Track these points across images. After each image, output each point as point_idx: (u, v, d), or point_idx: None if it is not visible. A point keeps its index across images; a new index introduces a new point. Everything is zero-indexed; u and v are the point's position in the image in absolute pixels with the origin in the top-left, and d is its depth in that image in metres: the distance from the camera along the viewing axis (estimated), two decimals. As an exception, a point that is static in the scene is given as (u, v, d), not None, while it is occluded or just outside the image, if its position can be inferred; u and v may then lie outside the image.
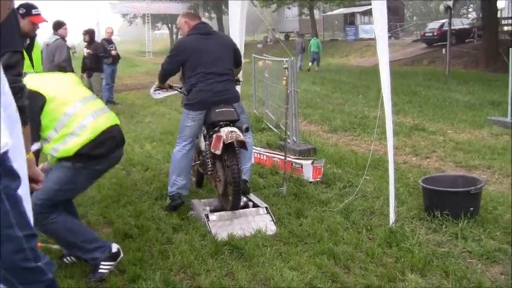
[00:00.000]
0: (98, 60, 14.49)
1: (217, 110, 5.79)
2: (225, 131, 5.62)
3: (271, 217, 5.69)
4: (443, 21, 34.09)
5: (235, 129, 5.67)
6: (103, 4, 52.19)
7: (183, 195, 6.14)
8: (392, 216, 5.36)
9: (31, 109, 3.78)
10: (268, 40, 50.90)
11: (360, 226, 5.45)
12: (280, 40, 16.27)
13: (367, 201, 6.22)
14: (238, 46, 8.01)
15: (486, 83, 18.52)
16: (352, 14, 48.76)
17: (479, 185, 5.53)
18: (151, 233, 5.50)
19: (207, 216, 5.64)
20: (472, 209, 5.40)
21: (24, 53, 6.29)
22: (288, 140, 9.15)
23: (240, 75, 7.64)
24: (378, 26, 5.31)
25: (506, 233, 5.16)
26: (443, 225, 5.31)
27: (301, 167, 7.32)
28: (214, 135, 5.73)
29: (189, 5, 55.11)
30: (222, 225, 5.56)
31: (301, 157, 7.94)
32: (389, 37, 41.82)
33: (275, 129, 10.49)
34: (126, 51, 54.80)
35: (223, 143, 5.55)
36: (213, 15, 65.50)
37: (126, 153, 9.33)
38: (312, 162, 7.24)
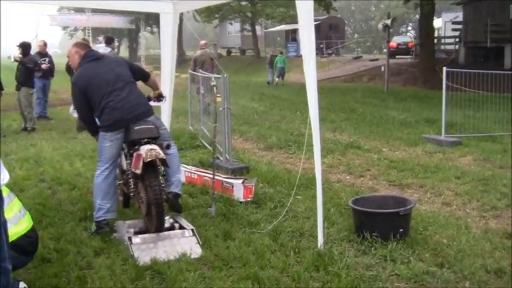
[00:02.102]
0: (28, 75, 14.02)
1: (136, 128, 5.57)
2: (144, 149, 5.40)
3: (197, 239, 5.48)
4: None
5: (155, 146, 5.47)
6: (42, 17, 50.72)
7: (110, 223, 5.88)
8: (320, 239, 5.20)
9: None
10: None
11: (288, 248, 5.28)
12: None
13: (297, 222, 6.06)
14: (170, 60, 7.86)
15: (423, 100, 18.78)
16: (294, 31, 48.97)
17: (409, 206, 5.43)
18: (71, 257, 5.22)
19: (130, 239, 5.40)
20: (401, 230, 5.30)
21: None
22: (221, 158, 9.00)
23: (163, 90, 7.46)
24: (305, 45, 5.13)
25: (435, 255, 5.09)
26: (373, 247, 5.18)
27: (232, 187, 7.13)
28: (134, 154, 5.51)
29: (130, 19, 54.46)
30: (146, 248, 5.32)
31: (232, 176, 7.74)
32: (330, 54, 42.46)
33: (209, 147, 10.27)
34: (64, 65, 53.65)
35: (143, 161, 5.32)
36: (155, 29, 64.99)
37: (53, 171, 9.02)
38: (243, 182, 7.05)
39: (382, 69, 25.60)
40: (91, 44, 13.98)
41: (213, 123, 7.02)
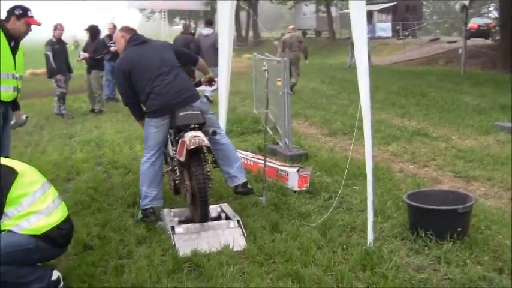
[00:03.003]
0: (98, 58, 14.21)
1: (181, 114, 5.41)
2: (188, 135, 5.23)
3: (242, 231, 5.29)
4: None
5: (199, 133, 5.28)
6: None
7: (156, 211, 5.77)
8: (370, 235, 4.88)
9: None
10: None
11: (336, 244, 5.00)
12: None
13: (350, 216, 5.76)
14: (227, 44, 7.64)
15: (501, 85, 17.84)
16: (369, 12, 47.99)
17: (469, 203, 5.03)
18: (113, 245, 5.15)
19: (173, 229, 5.25)
20: (459, 229, 4.92)
21: (10, 54, 6.05)
22: (280, 144, 8.75)
23: (220, 74, 7.28)
24: (356, 28, 4.78)
25: (494, 258, 4.68)
26: (427, 247, 4.83)
27: (287, 175, 6.88)
28: (180, 141, 5.35)
29: (205, 1, 54.71)
30: (188, 239, 5.17)
31: (287, 164, 7.47)
32: (407, 35, 41.30)
33: (271, 132, 10.03)
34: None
35: (187, 149, 5.14)
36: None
37: (112, 154, 9.01)
38: (298, 170, 6.78)
39: (460, 51, 24.62)
40: (191, 28, 14.40)
41: (265, 108, 6.75)
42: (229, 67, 7.82)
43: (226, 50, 7.83)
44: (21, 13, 6.16)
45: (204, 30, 14.84)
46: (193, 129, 5.41)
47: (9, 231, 3.85)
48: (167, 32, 52.04)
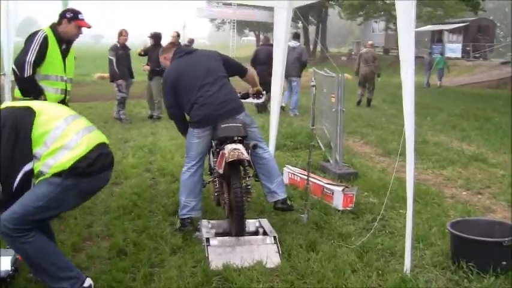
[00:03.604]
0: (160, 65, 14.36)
1: (222, 126, 5.36)
2: (228, 148, 5.17)
3: (278, 248, 5.17)
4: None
5: (239, 146, 5.22)
6: (190, 8, 52.66)
7: (195, 221, 5.74)
8: (407, 262, 4.69)
9: (22, 126, 3.75)
10: (353, 53, 50.15)
11: (372, 269, 4.83)
12: (329, 56, 16.12)
13: (392, 240, 5.57)
14: (282, 56, 7.60)
15: None
16: (440, 32, 47.18)
17: (516, 236, 4.78)
18: (146, 253, 5.13)
19: (208, 240, 5.19)
20: (504, 263, 4.67)
21: (60, 57, 6.17)
22: (331, 161, 8.61)
23: (273, 86, 7.21)
24: (403, 50, 4.61)
25: (540, 298, 4.43)
26: (467, 279, 4.61)
27: (332, 193, 6.74)
28: (220, 153, 5.31)
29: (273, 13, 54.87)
30: (222, 252, 5.10)
31: (333, 182, 7.32)
32: (478, 57, 40.32)
33: (323, 149, 9.90)
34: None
35: (225, 161, 5.09)
36: (299, 24, 65.19)
37: (163, 161, 9.06)
38: (343, 189, 6.64)
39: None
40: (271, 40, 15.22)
41: (311, 125, 6.64)
42: (283, 79, 7.77)
43: (281, 62, 7.78)
44: (72, 16, 6.24)
45: (290, 43, 14.70)
46: (235, 141, 5.36)
47: (40, 173, 3.80)
48: (235, 43, 52.37)
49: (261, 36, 55.89)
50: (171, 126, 12.67)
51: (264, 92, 6.63)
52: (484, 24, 46.01)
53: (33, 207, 3.76)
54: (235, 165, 5.23)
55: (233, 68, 6.12)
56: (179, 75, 5.67)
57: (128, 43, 14.24)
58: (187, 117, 5.78)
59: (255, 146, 5.55)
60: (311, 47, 61.41)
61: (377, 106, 18.36)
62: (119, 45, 13.80)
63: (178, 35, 16.37)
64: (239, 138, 5.45)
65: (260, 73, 14.17)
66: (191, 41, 20.91)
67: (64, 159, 3.79)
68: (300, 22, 62.86)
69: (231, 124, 5.41)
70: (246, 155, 5.19)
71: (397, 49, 35.29)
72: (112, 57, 13.63)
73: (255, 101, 6.57)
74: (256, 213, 6.33)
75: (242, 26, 66.62)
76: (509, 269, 4.71)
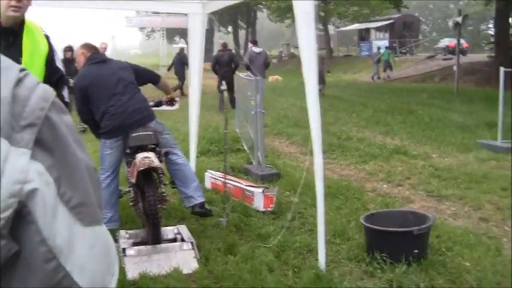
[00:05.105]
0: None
1: (133, 135, 5.29)
2: (139, 157, 5.10)
3: (195, 253, 5.13)
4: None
5: (150, 154, 5.16)
6: (119, 18, 52.11)
7: (112, 232, 5.62)
8: (322, 258, 4.73)
9: None
10: (283, 55, 50.59)
11: (289, 267, 4.84)
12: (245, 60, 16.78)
13: (311, 237, 5.59)
14: (198, 61, 7.56)
15: (491, 103, 17.65)
16: (367, 30, 48.11)
17: (425, 225, 4.88)
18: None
19: (124, 251, 5.10)
20: (416, 251, 4.76)
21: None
22: (253, 163, 8.63)
23: (190, 92, 7.18)
24: (304, 48, 4.63)
25: (451, 281, 4.53)
26: (381, 270, 4.68)
27: (253, 195, 6.74)
28: (132, 162, 5.24)
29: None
30: (139, 261, 5.01)
31: (253, 183, 7.33)
32: (404, 53, 41.25)
33: (248, 151, 9.91)
34: (143, 65, 54.51)
35: (137, 170, 5.03)
36: (231, 29, 65.45)
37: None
38: (263, 190, 6.65)
39: (454, 68, 24.54)
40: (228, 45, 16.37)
41: (225, 128, 6.63)
42: (200, 84, 7.74)
43: (197, 67, 7.74)
44: None
45: (255, 49, 16.74)
46: (146, 150, 5.30)
47: None
48: (165, 51, 51.99)
49: (220, 41, 55.74)
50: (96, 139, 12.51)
51: (177, 99, 6.59)
52: (409, 21, 47.21)
53: None
54: (148, 174, 5.16)
55: (145, 76, 6.07)
56: (89, 83, 5.57)
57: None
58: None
59: (167, 153, 5.50)
60: (242, 51, 61.66)
61: (304, 106, 18.44)
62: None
63: (105, 47, 16.29)
64: (151, 146, 5.39)
65: (225, 74, 15.65)
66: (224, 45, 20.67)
67: None
68: (231, 27, 63.16)
69: (141, 133, 5.35)
70: (157, 163, 5.13)
71: (324, 48, 35.69)
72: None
73: (168, 108, 6.52)
74: (176, 219, 6.27)
75: (172, 33, 66.17)
76: (422, 256, 4.81)
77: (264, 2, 47.84)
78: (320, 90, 19.76)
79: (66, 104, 2.97)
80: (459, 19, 22.99)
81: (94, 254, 1.01)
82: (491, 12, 30.10)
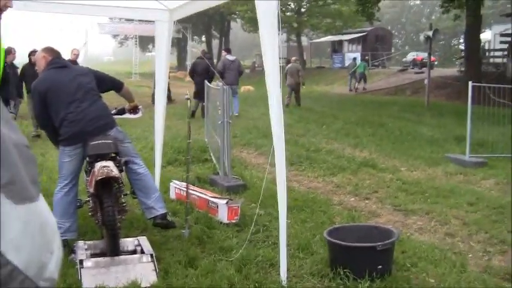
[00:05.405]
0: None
1: (92, 143, 5.14)
2: (97, 166, 4.95)
3: (154, 266, 4.97)
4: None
5: (109, 163, 5.02)
6: (92, 24, 51.43)
7: (70, 243, 5.45)
8: (283, 273, 4.61)
9: None
10: (256, 66, 50.57)
11: (250, 282, 4.72)
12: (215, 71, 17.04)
13: (274, 250, 5.46)
14: (164, 68, 7.45)
15: (461, 116, 17.75)
16: (340, 42, 48.35)
17: (389, 240, 4.80)
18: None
19: (81, 262, 4.93)
20: (380, 266, 4.68)
21: None
22: (220, 173, 8.50)
23: (157, 98, 7.07)
24: (267, 58, 4.51)
25: (414, 299, 4.44)
26: (343, 286, 4.57)
27: (217, 207, 6.61)
28: (91, 171, 5.09)
29: (177, 28, 54.63)
30: (96, 274, 4.85)
31: (218, 195, 7.20)
32: (377, 66, 41.50)
33: (215, 161, 9.77)
34: (116, 72, 54.00)
35: (95, 180, 4.87)
36: (204, 38, 65.35)
37: (49, 181, 8.65)
38: (227, 202, 6.53)
39: (425, 82, 24.70)
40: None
41: (188, 138, 6.50)
42: (166, 92, 7.62)
43: (163, 75, 7.62)
44: None
45: (229, 57, 17.73)
46: (105, 159, 5.14)
47: None
48: (138, 58, 51.67)
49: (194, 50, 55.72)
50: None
51: (141, 107, 6.45)
52: (382, 34, 47.56)
53: None
54: (107, 184, 5.01)
55: (107, 83, 5.93)
56: (48, 88, 5.41)
57: (16, 62, 13.68)
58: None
59: (126, 162, 5.36)
60: (215, 60, 61.63)
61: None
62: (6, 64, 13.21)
63: (78, 54, 16.09)
64: (114, 154, 5.24)
65: (199, 83, 15.83)
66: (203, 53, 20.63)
67: None
68: (204, 36, 63.00)
69: (101, 141, 5.20)
70: (115, 172, 4.98)
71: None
72: (-5, 77, 13.05)
73: (131, 116, 6.37)
74: (139, 230, 6.11)
75: (145, 41, 65.82)
76: (386, 272, 4.73)
77: (237, 12, 47.83)
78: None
79: None
80: (430, 33, 23.14)
81: (29, 232, 1.00)
82: (462, 28, 30.35)
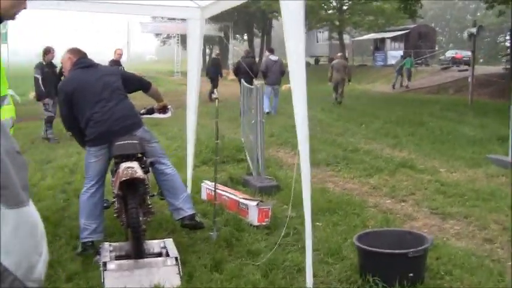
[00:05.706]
0: None
1: (117, 144, 5.07)
2: (122, 167, 4.87)
3: (179, 269, 4.86)
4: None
5: (134, 164, 4.93)
6: (134, 24, 51.84)
7: (96, 244, 5.39)
8: (309, 279, 4.44)
9: None
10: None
11: (275, 287, 4.56)
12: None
13: (303, 255, 5.27)
14: (196, 67, 7.36)
15: (504, 116, 17.29)
16: (382, 40, 47.74)
17: (422, 247, 4.58)
18: (40, 282, 4.71)
19: (105, 265, 4.85)
20: (411, 274, 4.47)
21: None
22: (253, 174, 8.37)
23: (188, 98, 6.99)
24: (292, 56, 4.31)
25: (447, 309, 4.23)
26: (373, 294, 4.39)
27: (247, 208, 6.48)
28: (116, 172, 5.01)
29: (219, 26, 54.74)
30: (120, 276, 4.77)
31: (250, 196, 7.05)
32: (420, 64, 40.83)
33: (249, 161, 9.64)
34: (157, 71, 54.65)
35: (119, 181, 4.79)
36: (245, 37, 65.35)
37: (83, 180, 8.66)
38: (257, 204, 6.38)
39: (469, 80, 24.15)
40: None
41: (216, 139, 6.38)
42: (198, 91, 7.52)
43: (196, 73, 7.53)
44: None
45: (272, 57, 18.13)
46: (131, 159, 5.06)
47: None
48: (180, 57, 51.92)
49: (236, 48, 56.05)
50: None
51: (170, 106, 6.37)
52: (425, 31, 46.79)
53: None
54: (131, 185, 4.92)
55: (134, 83, 5.87)
56: (75, 88, 5.37)
57: (54, 61, 13.79)
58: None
59: (152, 163, 5.27)
60: (257, 59, 61.56)
61: (314, 115, 18.18)
62: (44, 63, 13.35)
63: (121, 53, 16.26)
64: (137, 155, 5.16)
65: (245, 80, 16.04)
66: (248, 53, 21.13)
67: None
68: (246, 35, 63.00)
69: (126, 141, 5.12)
70: (140, 173, 4.89)
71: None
72: (38, 76, 13.19)
73: (161, 116, 6.30)
74: (166, 232, 6.02)
75: (186, 40, 66.21)
76: (418, 280, 4.52)
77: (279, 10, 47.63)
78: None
79: None
80: (474, 30, 22.60)
81: (19, 235, 1.11)
82: (509, 24, 29.61)
